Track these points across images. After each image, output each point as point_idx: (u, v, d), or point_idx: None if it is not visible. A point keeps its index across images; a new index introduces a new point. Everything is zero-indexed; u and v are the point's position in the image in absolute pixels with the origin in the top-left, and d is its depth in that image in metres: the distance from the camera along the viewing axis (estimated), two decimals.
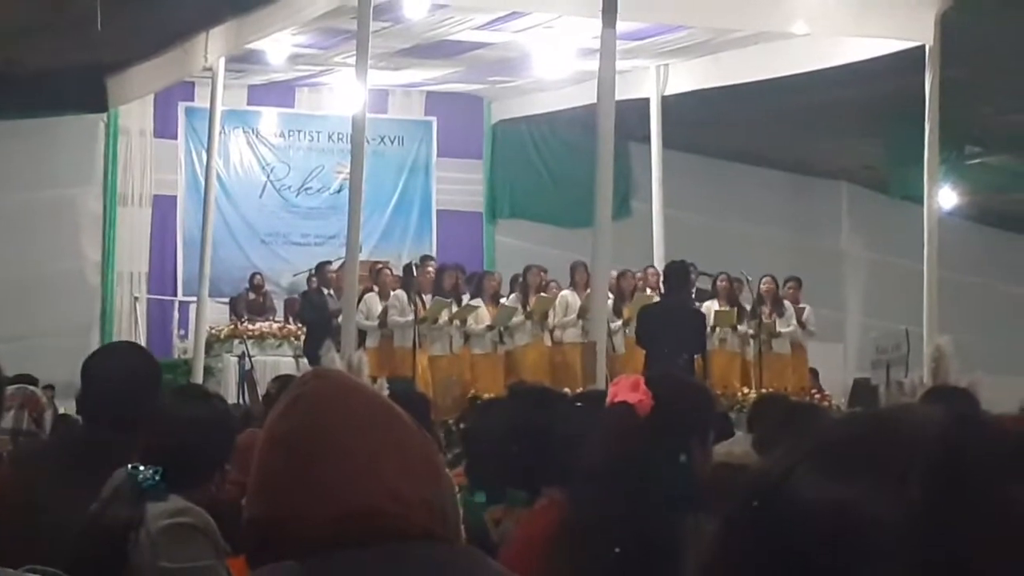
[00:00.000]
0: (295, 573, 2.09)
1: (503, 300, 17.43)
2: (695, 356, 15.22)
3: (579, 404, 4.41)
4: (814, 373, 18.33)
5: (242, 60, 19.40)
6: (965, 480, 1.08)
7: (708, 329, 16.34)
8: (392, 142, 22.75)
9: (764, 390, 15.90)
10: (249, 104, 22.13)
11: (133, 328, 21.00)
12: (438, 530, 2.13)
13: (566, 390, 8.99)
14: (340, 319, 16.14)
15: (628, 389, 3.45)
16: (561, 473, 3.80)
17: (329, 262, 18.92)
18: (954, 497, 1.07)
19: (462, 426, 8.02)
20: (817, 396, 16.23)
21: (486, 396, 13.05)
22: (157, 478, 3.74)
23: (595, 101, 14.18)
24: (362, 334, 16.39)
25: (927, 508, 1.06)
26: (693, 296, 16.93)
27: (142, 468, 3.74)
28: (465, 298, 17.33)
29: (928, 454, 1.09)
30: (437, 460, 2.23)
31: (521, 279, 17.65)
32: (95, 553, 3.53)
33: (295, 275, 20.96)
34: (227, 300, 20.29)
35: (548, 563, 3.40)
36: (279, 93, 22.13)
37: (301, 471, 2.12)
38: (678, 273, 15.44)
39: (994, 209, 22.71)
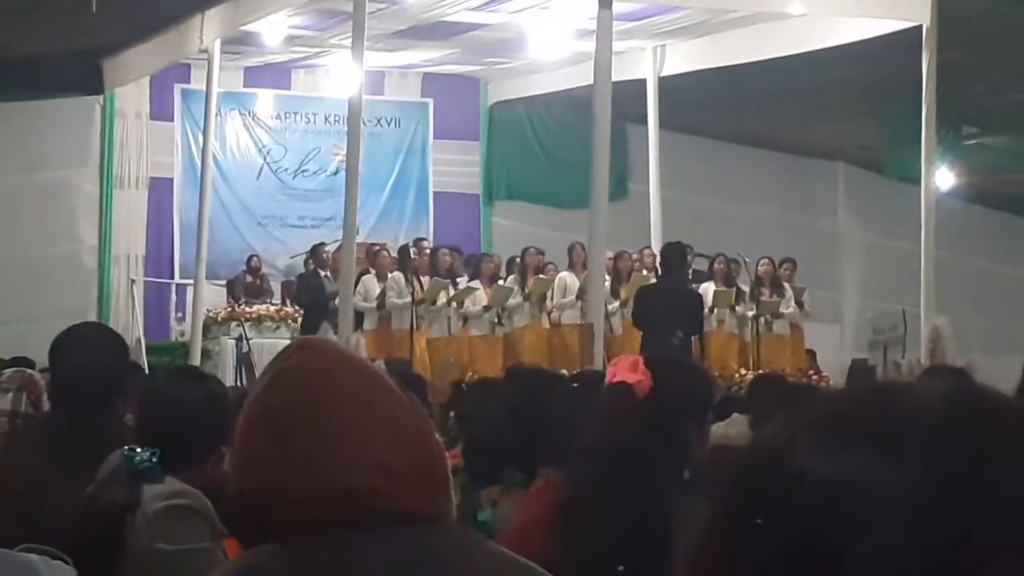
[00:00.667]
0: (278, 557, 2.02)
1: (501, 282, 17.46)
2: (692, 337, 15.24)
3: (575, 385, 4.41)
4: (812, 354, 18.37)
5: (238, 42, 19.38)
6: (969, 454, 1.07)
7: (706, 310, 16.37)
8: (389, 124, 22.72)
9: (762, 371, 15.93)
10: (245, 86, 22.09)
11: (130, 311, 20.99)
12: (430, 509, 2.06)
13: (564, 371, 8.99)
14: (337, 301, 16.16)
15: (627, 369, 3.45)
16: (557, 454, 3.80)
17: (323, 243, 18.92)
18: (957, 471, 1.06)
19: (452, 413, 8.00)
20: (815, 377, 16.25)
21: (470, 379, 13.05)
22: (154, 460, 3.74)
23: (592, 82, 14.17)
24: (359, 316, 16.41)
25: (930, 482, 1.05)
26: (690, 277, 16.95)
27: (138, 450, 3.74)
28: (462, 280, 17.35)
29: (931, 428, 1.08)
30: (430, 434, 2.12)
31: (519, 261, 17.68)
32: (91, 535, 3.53)
33: (292, 257, 20.96)
34: (224, 283, 20.28)
35: (546, 544, 3.40)
36: (275, 75, 22.10)
37: (286, 448, 2.02)
38: (674, 254, 15.45)
39: (991, 190, 22.71)
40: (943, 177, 18.92)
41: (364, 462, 2.01)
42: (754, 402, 7.13)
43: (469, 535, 2.17)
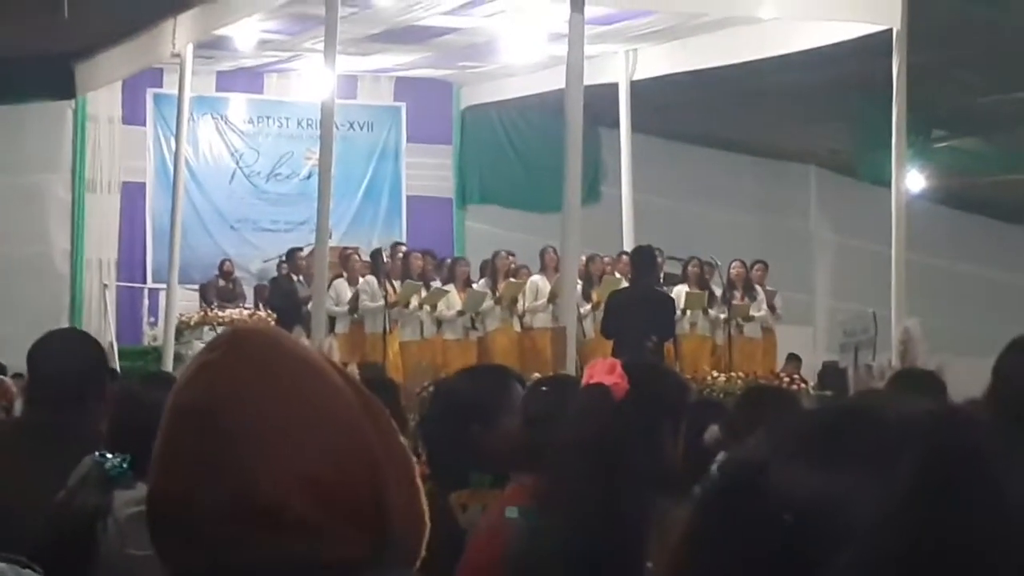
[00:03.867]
0: None
1: (474, 285, 17.46)
2: (665, 341, 15.23)
3: (544, 389, 4.41)
4: (796, 359, 18.47)
5: (210, 46, 19.33)
6: (957, 473, 1.07)
7: (678, 313, 16.38)
8: (361, 128, 22.71)
9: (733, 374, 15.96)
10: (218, 90, 22.06)
11: (102, 315, 20.93)
12: (376, 545, 1.74)
13: (536, 375, 8.99)
14: (310, 305, 16.14)
15: (604, 372, 3.46)
16: (529, 458, 3.80)
17: (300, 248, 18.90)
18: (945, 489, 1.06)
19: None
20: (786, 380, 16.25)
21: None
22: (124, 466, 3.74)
23: (564, 86, 14.17)
24: (332, 320, 16.39)
25: (916, 499, 1.05)
26: (661, 280, 16.97)
27: (109, 456, 3.74)
28: (435, 284, 17.35)
29: (918, 446, 1.08)
30: (378, 445, 1.77)
31: (490, 264, 17.68)
32: (62, 541, 3.53)
33: (265, 261, 20.94)
34: (197, 287, 20.25)
35: (515, 546, 3.41)
36: (248, 79, 22.07)
37: (196, 449, 1.76)
38: (644, 258, 15.46)
39: (961, 192, 22.80)
40: (914, 180, 19.00)
41: (280, 471, 1.71)
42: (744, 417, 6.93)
43: None
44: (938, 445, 1.09)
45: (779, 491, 1.08)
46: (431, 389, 6.76)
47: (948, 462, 1.08)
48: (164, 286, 19.32)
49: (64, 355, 4.53)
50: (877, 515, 1.05)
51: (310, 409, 1.77)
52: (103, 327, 20.22)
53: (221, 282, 20.21)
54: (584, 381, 3.54)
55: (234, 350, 1.82)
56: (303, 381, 1.80)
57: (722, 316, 17.34)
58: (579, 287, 15.75)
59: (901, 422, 1.11)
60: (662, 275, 17.23)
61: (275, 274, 19.53)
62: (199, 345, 18.43)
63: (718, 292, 17.55)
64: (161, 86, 21.52)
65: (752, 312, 17.56)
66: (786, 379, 16.15)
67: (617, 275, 17.47)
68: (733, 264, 17.75)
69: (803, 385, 15.88)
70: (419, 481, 1.83)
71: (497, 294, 17.21)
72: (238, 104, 22.30)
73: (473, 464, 4.36)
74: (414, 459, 1.86)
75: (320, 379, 1.81)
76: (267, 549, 1.71)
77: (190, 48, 18.53)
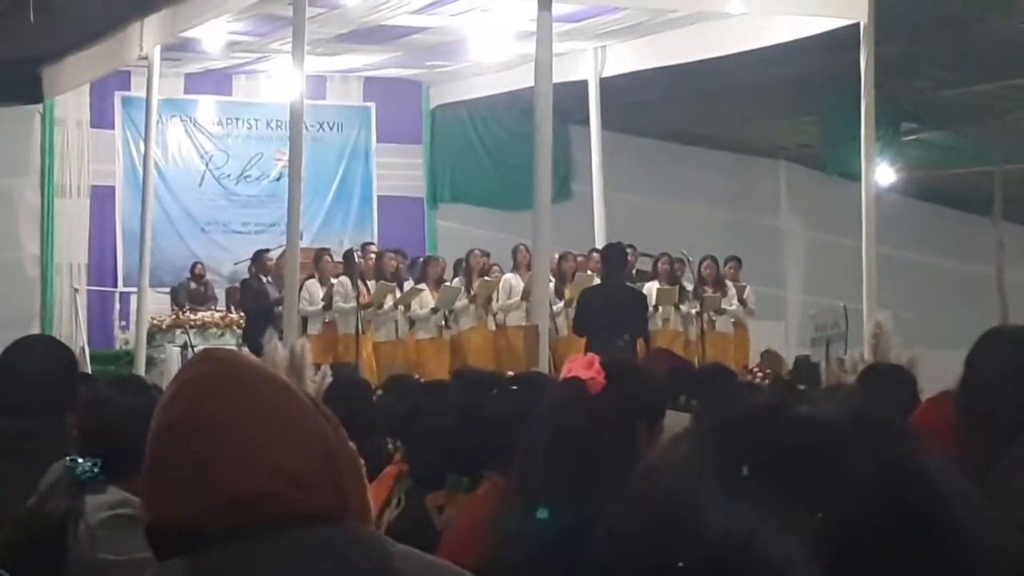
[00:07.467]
0: (182, 570, 2.06)
1: (446, 283, 17.48)
2: (637, 339, 15.23)
3: (515, 388, 4.41)
4: (776, 356, 18.45)
5: (178, 48, 19.26)
6: (908, 495, 1.01)
7: (650, 310, 16.40)
8: (331, 128, 22.68)
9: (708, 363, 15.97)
10: (186, 93, 21.99)
11: (73, 320, 20.84)
12: (334, 511, 2.08)
13: (510, 373, 8.98)
14: (282, 307, 16.10)
15: (582, 367, 3.47)
16: (501, 456, 3.80)
17: (267, 250, 18.86)
18: (898, 513, 1.00)
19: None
20: (760, 376, 16.27)
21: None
22: (96, 470, 3.72)
23: (533, 84, 14.17)
24: (304, 321, 16.36)
25: (839, 528, 0.98)
26: (633, 276, 17.00)
27: (80, 460, 3.72)
28: (408, 284, 17.35)
29: (857, 464, 1.02)
30: (337, 440, 2.14)
31: (464, 263, 17.70)
32: (33, 547, 3.51)
33: (236, 263, 20.88)
34: (168, 290, 20.19)
35: (488, 538, 3.40)
36: (216, 81, 22.01)
37: (183, 458, 2.06)
38: (615, 255, 15.48)
39: (930, 185, 22.85)
40: (883, 173, 19.03)
41: (259, 467, 2.04)
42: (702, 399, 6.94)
43: (374, 536, 2.17)
44: (864, 464, 1.02)
45: (699, 530, 1.01)
46: (379, 393, 6.74)
47: (896, 484, 1.02)
48: (135, 290, 19.25)
49: (35, 361, 4.50)
50: (802, 552, 0.98)
51: (277, 413, 2.09)
52: (74, 332, 20.14)
53: (192, 285, 20.15)
54: (562, 376, 3.54)
55: (206, 368, 2.14)
56: (268, 391, 2.12)
57: (694, 311, 17.38)
58: (551, 285, 15.76)
59: (824, 438, 1.04)
60: (634, 271, 17.26)
61: (246, 276, 19.50)
62: (171, 348, 18.41)
63: (689, 287, 17.59)
64: (129, 89, 21.45)
65: (723, 305, 17.61)
66: (759, 375, 16.20)
67: (589, 272, 17.50)
68: (704, 264, 17.79)
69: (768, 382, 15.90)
70: (364, 473, 2.19)
71: (472, 292, 17.22)
72: (207, 106, 22.24)
73: (453, 466, 4.36)
74: (360, 460, 2.20)
75: (281, 388, 2.14)
76: (250, 525, 2.03)
77: (157, 50, 18.46)
